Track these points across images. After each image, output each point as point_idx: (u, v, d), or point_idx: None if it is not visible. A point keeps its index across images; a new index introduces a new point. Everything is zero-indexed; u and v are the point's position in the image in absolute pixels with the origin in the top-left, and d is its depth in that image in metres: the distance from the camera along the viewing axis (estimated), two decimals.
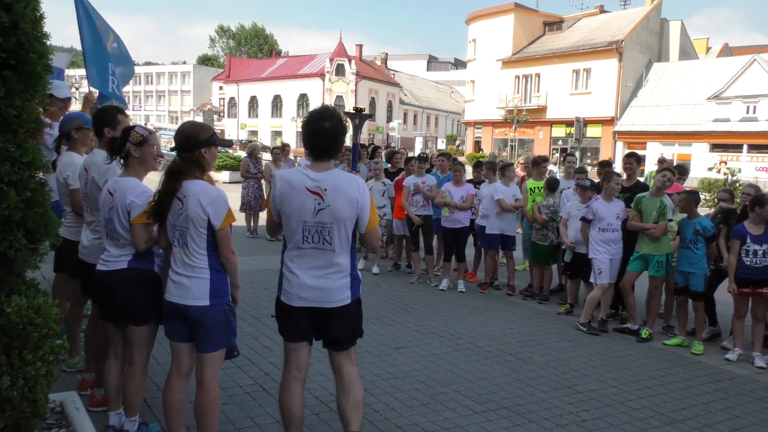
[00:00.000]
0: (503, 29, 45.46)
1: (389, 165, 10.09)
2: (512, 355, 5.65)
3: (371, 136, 54.38)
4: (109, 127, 3.83)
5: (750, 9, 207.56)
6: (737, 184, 20.36)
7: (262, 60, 75.10)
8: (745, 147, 33.64)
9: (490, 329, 6.44)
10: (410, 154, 11.19)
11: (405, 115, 66.20)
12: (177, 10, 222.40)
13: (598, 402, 4.67)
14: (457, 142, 54.72)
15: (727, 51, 52.79)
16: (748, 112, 33.27)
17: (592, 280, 6.69)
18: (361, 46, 63.48)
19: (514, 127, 41.44)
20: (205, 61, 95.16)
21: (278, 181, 3.20)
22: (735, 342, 6.04)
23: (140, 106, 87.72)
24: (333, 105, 54.71)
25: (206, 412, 3.20)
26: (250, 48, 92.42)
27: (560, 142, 42.20)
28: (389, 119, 61.14)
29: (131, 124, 3.89)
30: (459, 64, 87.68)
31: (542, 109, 42.94)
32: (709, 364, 5.75)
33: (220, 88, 72.34)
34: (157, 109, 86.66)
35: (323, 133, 3.12)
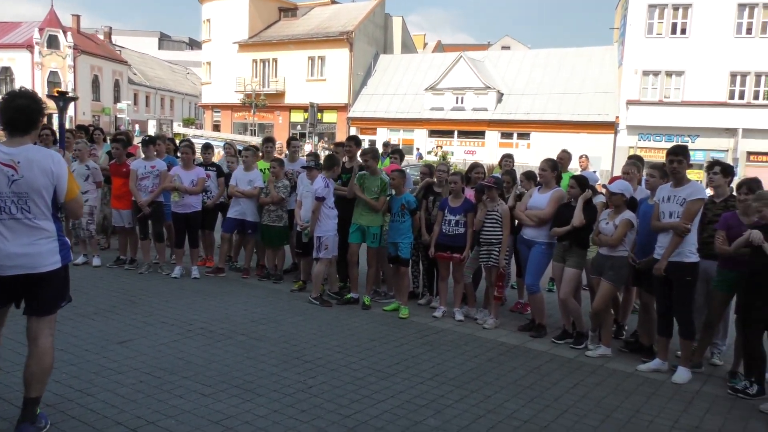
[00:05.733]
0: (238, 11, 44.73)
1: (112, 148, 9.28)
2: (245, 335, 5.72)
3: (96, 117, 49.28)
4: None
5: (459, 12, 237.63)
6: (449, 165, 23.24)
7: None
8: (455, 133, 38.52)
9: (224, 312, 6.41)
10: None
11: (136, 96, 61.20)
12: None
13: (324, 368, 4.99)
14: (194, 126, 52.49)
15: (440, 48, 59.52)
16: (457, 103, 38.09)
17: (316, 255, 7.05)
18: (78, 16, 56.59)
19: (252, 111, 41.32)
20: None
21: None
22: (440, 301, 6.96)
23: None
24: (46, 83, 47.73)
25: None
26: None
27: (299, 127, 43.28)
28: (117, 100, 55.92)
29: None
30: (194, 44, 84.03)
31: (281, 94, 43.53)
32: (419, 323, 6.54)
33: None
34: None
35: (17, 109, 3.36)
